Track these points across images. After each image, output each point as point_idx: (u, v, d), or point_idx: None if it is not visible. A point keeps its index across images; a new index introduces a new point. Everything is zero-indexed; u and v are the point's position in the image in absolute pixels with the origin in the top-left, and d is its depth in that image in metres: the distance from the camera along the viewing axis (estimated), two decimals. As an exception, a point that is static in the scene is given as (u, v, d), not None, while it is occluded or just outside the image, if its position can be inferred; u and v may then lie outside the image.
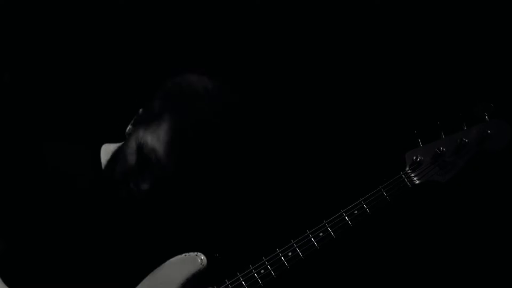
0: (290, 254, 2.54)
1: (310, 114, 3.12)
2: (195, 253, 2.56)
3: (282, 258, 2.54)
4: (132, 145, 2.44)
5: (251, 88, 2.88)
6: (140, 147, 2.42)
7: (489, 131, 2.58)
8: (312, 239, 2.54)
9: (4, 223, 2.46)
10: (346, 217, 2.55)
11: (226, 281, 2.53)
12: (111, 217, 2.52)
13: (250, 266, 2.53)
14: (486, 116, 2.59)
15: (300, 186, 3.07)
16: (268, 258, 2.54)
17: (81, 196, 2.50)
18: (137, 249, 2.55)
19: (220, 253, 2.61)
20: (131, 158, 2.45)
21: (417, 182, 2.60)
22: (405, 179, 2.59)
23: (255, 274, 2.53)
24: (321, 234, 2.55)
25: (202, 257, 2.56)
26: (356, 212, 2.56)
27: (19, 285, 2.45)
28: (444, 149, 2.60)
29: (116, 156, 2.53)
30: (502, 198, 3.08)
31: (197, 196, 2.60)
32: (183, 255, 2.56)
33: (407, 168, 2.61)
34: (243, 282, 2.52)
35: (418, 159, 2.61)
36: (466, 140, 2.58)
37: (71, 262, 2.49)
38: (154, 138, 2.41)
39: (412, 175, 2.60)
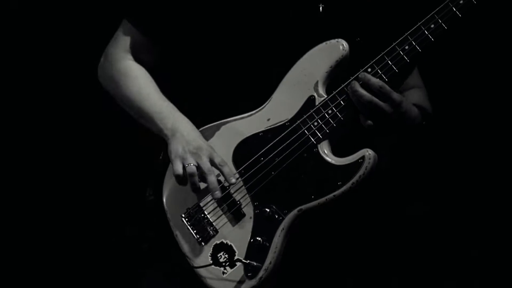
0: (432, 26, 2.46)
1: None
2: (336, 39, 2.53)
3: (426, 31, 2.46)
4: None
5: None
6: None
7: None
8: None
9: None
10: None
11: (371, 61, 2.49)
12: None
13: (393, 42, 2.48)
14: None
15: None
16: (410, 31, 2.47)
17: None
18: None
19: (361, 37, 2.58)
20: None
21: None
22: None
23: (400, 52, 2.47)
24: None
25: (344, 43, 2.52)
26: None
27: None
28: None
29: None
30: None
31: None
32: (323, 43, 2.53)
33: None
34: (389, 62, 2.48)
35: None
36: None
37: None
38: None
39: None
